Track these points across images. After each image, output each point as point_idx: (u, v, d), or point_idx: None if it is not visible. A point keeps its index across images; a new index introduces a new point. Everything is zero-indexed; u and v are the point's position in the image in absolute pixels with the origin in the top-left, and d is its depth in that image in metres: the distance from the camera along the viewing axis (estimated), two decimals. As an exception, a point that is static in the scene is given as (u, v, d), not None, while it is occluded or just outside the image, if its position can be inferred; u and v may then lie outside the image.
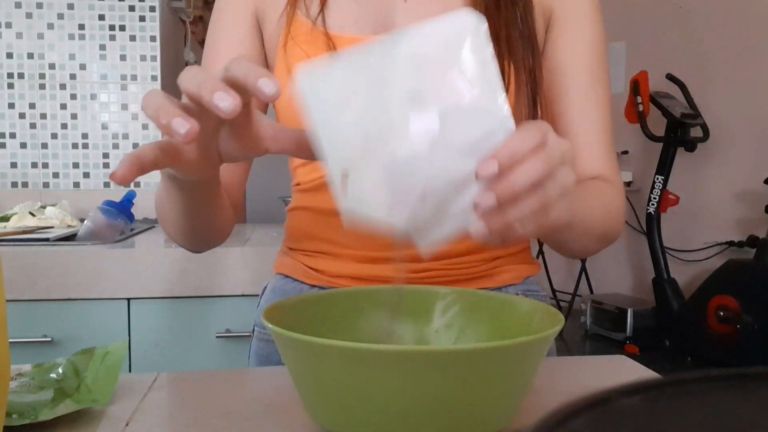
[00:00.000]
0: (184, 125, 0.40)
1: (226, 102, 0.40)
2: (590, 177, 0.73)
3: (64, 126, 1.91)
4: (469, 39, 0.44)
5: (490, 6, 0.69)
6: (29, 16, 1.87)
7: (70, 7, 1.88)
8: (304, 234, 0.77)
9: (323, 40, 0.70)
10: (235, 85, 0.42)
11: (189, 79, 0.43)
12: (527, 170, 0.43)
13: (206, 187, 0.58)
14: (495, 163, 0.42)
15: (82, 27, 1.89)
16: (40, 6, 1.87)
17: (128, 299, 1.33)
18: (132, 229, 1.68)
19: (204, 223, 0.67)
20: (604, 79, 0.75)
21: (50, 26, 1.88)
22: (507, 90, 0.66)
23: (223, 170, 0.58)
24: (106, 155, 1.93)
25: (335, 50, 0.69)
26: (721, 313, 2.90)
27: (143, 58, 1.92)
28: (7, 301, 1.37)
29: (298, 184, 0.78)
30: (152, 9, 1.92)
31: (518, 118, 0.66)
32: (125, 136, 1.93)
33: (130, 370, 1.34)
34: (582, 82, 0.74)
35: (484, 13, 0.68)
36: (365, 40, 0.70)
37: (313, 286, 0.75)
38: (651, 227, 3.36)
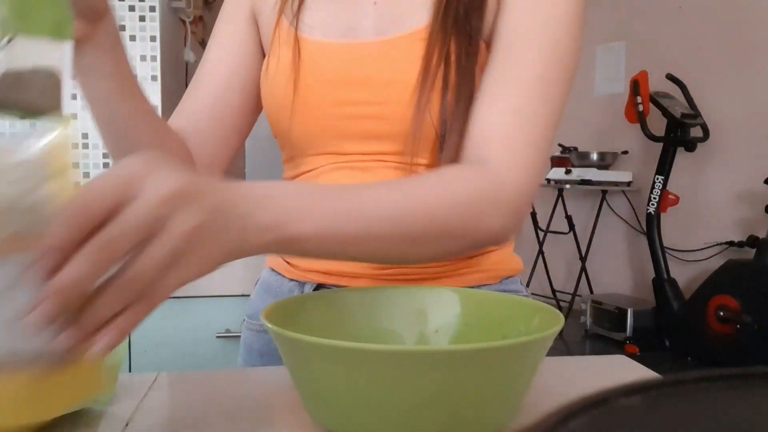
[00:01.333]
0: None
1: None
2: (470, 161, 0.62)
3: (64, 126, 1.91)
4: None
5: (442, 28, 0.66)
6: (29, 16, 1.87)
7: (70, 7, 1.88)
8: None
9: (292, 42, 0.72)
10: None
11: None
12: (86, 256, 0.35)
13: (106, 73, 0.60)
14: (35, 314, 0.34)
15: (82, 27, 1.89)
16: (40, 6, 1.87)
17: (128, 299, 1.33)
18: (132, 229, 1.68)
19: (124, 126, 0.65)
20: (546, 54, 0.63)
21: (50, 26, 1.88)
22: (445, 95, 0.65)
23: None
24: (106, 155, 1.92)
25: (299, 54, 0.70)
26: (721, 313, 2.90)
27: (143, 58, 1.92)
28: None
29: (284, 179, 0.79)
30: (152, 9, 1.92)
31: (462, 118, 0.65)
32: (125, 136, 1.93)
33: (130, 370, 1.34)
34: (505, 52, 0.64)
35: (440, 32, 0.66)
36: (331, 44, 0.71)
37: (291, 279, 0.76)
38: (651, 227, 3.36)
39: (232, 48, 0.77)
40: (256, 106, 0.79)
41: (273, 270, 0.80)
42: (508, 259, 0.77)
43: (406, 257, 0.58)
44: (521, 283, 0.78)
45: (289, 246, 0.47)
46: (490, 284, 0.74)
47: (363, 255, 0.55)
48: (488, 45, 0.68)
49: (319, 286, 0.73)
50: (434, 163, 0.68)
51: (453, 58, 0.66)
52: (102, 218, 0.35)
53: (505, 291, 0.74)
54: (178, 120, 0.76)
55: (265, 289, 0.79)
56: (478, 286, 0.72)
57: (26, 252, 0.36)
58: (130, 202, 0.36)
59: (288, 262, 0.77)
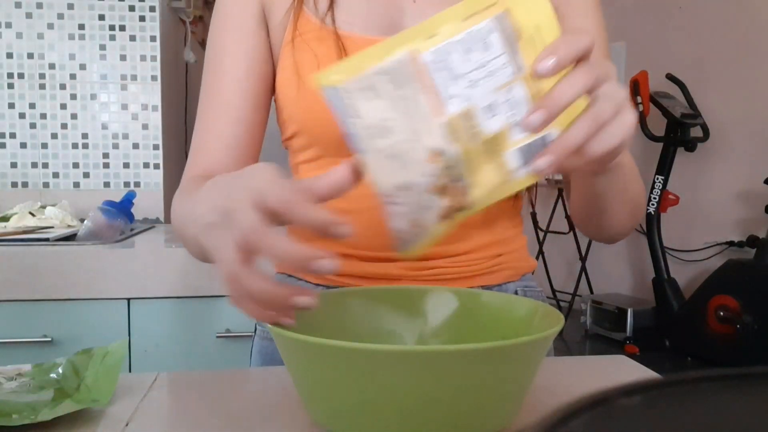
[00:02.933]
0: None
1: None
2: None
3: (64, 126, 1.91)
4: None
5: None
6: (29, 16, 1.87)
7: (70, 7, 1.88)
8: (306, 232, 0.77)
9: (333, 40, 0.69)
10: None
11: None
12: (576, 79, 0.42)
13: None
14: (552, 58, 0.41)
15: (82, 27, 1.89)
16: (40, 6, 1.87)
17: (128, 299, 1.33)
18: (132, 229, 1.68)
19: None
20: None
21: (50, 26, 1.88)
22: None
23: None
24: (106, 155, 1.93)
25: (345, 51, 0.68)
26: (721, 313, 2.90)
27: (143, 58, 1.92)
28: (7, 301, 1.36)
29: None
30: (152, 9, 1.92)
31: None
32: (125, 136, 1.93)
33: (130, 370, 1.34)
34: None
35: None
36: (373, 40, 0.70)
37: (318, 285, 0.74)
38: (651, 227, 3.36)
39: (246, 61, 0.73)
40: (266, 114, 0.77)
41: (290, 276, 0.78)
42: (526, 257, 0.81)
43: (611, 220, 0.67)
44: (533, 279, 0.82)
45: (614, 168, 0.54)
46: (514, 281, 0.78)
47: (606, 204, 0.65)
48: None
49: None
50: None
51: None
52: (579, 55, 0.43)
53: (526, 286, 0.79)
54: (212, 151, 0.74)
55: None
56: (505, 283, 0.77)
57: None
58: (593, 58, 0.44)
59: None
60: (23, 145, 1.90)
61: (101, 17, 1.90)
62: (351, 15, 0.71)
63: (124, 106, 1.93)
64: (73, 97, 1.90)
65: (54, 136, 1.91)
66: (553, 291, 4.05)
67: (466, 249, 0.74)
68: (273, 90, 0.76)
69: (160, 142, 1.95)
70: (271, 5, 0.74)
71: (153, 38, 1.92)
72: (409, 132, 0.46)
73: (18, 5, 1.86)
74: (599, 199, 0.64)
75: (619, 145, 0.45)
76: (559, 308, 3.69)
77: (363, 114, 0.45)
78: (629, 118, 0.46)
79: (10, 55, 1.87)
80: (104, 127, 1.92)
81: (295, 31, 0.71)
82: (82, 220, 1.66)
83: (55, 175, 1.91)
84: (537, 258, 3.97)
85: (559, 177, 3.83)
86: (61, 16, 1.88)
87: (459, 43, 0.44)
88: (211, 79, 0.75)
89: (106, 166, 1.93)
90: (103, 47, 1.90)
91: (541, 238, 3.99)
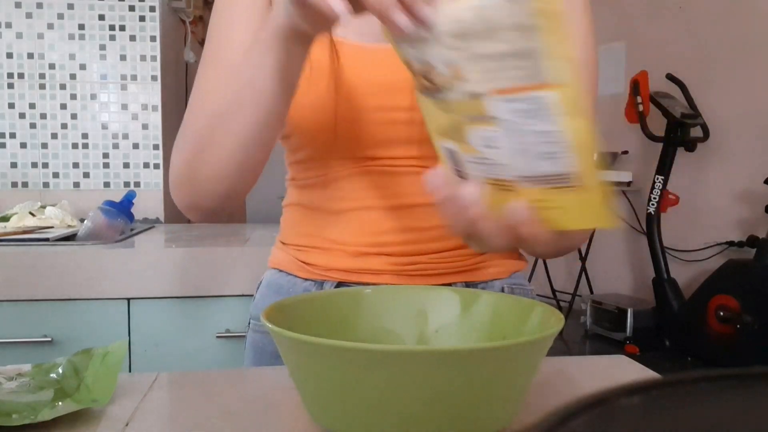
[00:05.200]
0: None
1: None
2: None
3: (64, 126, 1.91)
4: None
5: None
6: (29, 16, 1.87)
7: (70, 7, 1.88)
8: (297, 229, 0.79)
9: (326, 45, 0.70)
10: None
11: None
12: None
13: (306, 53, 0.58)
14: None
15: (82, 27, 1.89)
16: (40, 6, 1.87)
17: (128, 299, 1.33)
18: (132, 229, 1.68)
19: (277, 111, 0.62)
20: (592, 73, 0.73)
21: (50, 26, 1.88)
22: None
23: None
24: (106, 155, 1.93)
25: (338, 57, 0.69)
26: (721, 313, 2.90)
27: (143, 58, 1.92)
28: (7, 301, 1.37)
29: (293, 179, 0.79)
30: (152, 9, 1.92)
31: None
32: (125, 136, 1.93)
33: (130, 370, 1.34)
34: None
35: None
36: (366, 47, 0.70)
37: (306, 279, 0.75)
38: (651, 227, 3.36)
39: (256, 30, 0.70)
40: None
41: (281, 270, 0.79)
42: (516, 255, 0.81)
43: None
44: (524, 278, 0.81)
45: None
46: (502, 278, 0.77)
47: None
48: None
49: (339, 285, 0.73)
50: None
51: None
52: None
53: (514, 284, 0.78)
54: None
55: (275, 291, 0.78)
56: (492, 280, 0.76)
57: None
58: None
59: (304, 262, 0.76)
60: (23, 145, 1.90)
61: (101, 17, 1.90)
62: (345, 21, 0.71)
63: (124, 106, 1.93)
64: (73, 97, 1.90)
65: (54, 136, 1.91)
66: (553, 291, 4.05)
67: (450, 246, 0.74)
68: None
69: (160, 142, 1.95)
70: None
71: (153, 38, 1.92)
72: None
73: (18, 5, 1.86)
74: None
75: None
76: (559, 308, 3.69)
77: None
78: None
79: (10, 55, 1.87)
80: (104, 127, 1.92)
81: None
82: (82, 220, 1.66)
83: (55, 175, 1.92)
84: (537, 258, 3.97)
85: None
86: (61, 16, 1.88)
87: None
88: (215, 47, 0.71)
89: (106, 166, 1.93)
90: (103, 47, 1.90)
91: (541, 238, 3.99)
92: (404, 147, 0.71)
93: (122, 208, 1.62)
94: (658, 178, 3.35)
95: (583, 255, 3.78)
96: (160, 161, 1.95)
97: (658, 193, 3.34)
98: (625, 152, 3.86)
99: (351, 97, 0.70)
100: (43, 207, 1.72)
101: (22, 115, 1.89)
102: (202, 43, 2.33)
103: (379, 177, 0.72)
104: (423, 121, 0.66)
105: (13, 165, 1.90)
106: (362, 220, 0.73)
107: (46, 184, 1.91)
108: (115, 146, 1.93)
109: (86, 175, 1.92)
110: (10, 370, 0.58)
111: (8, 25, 1.86)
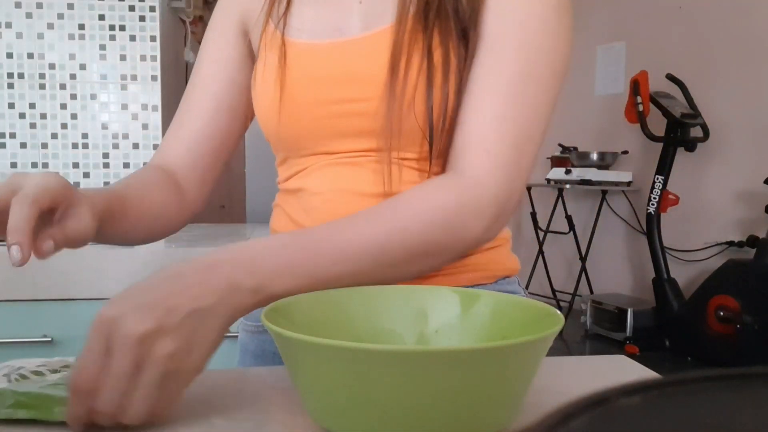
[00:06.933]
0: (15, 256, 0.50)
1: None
2: (453, 169, 0.64)
3: (64, 126, 1.91)
4: None
5: (422, 19, 0.66)
6: (29, 16, 1.87)
7: (70, 7, 1.88)
8: (279, 229, 0.79)
9: (278, 46, 0.72)
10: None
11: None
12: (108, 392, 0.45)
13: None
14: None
15: (82, 27, 1.89)
16: (40, 6, 1.87)
17: (128, 299, 1.33)
18: (132, 229, 1.68)
19: (122, 241, 0.71)
20: (535, 59, 0.64)
21: (50, 26, 1.88)
22: (430, 89, 0.65)
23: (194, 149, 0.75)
24: (106, 155, 1.93)
25: (285, 58, 0.71)
26: (721, 313, 2.90)
27: (143, 58, 1.92)
28: (7, 301, 1.36)
29: (278, 181, 0.80)
30: (152, 9, 1.92)
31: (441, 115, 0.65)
32: (125, 136, 1.93)
33: (130, 370, 1.34)
34: (485, 52, 0.65)
35: (419, 24, 0.66)
36: (317, 45, 0.71)
37: None
38: (651, 227, 3.36)
39: (219, 66, 0.78)
40: (244, 122, 0.81)
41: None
42: (504, 258, 0.75)
43: (393, 279, 0.61)
44: (519, 284, 0.77)
45: (276, 299, 0.53)
46: (485, 284, 0.72)
47: (348, 284, 0.59)
48: (472, 36, 0.66)
49: None
50: (424, 157, 0.68)
51: (437, 50, 0.65)
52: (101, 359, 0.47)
53: (501, 291, 0.73)
54: (174, 146, 0.79)
55: None
56: (473, 286, 0.70)
57: None
58: (113, 351, 0.47)
59: None
60: (23, 145, 1.90)
61: (101, 17, 1.90)
62: (302, 21, 0.73)
63: (124, 106, 1.93)
64: (73, 97, 1.91)
65: (54, 136, 1.91)
66: (553, 291, 4.05)
67: None
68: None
69: (160, 142, 1.95)
70: (250, 17, 0.78)
71: (153, 38, 1.92)
72: None
73: (18, 5, 1.86)
74: None
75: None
76: (559, 308, 3.69)
77: None
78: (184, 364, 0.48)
79: (10, 55, 1.87)
80: (104, 127, 1.92)
81: (261, 41, 0.74)
82: (82, 220, 1.66)
83: (55, 175, 1.91)
84: (537, 258, 3.97)
85: (559, 177, 3.84)
86: (61, 16, 1.88)
87: None
88: (190, 81, 0.80)
89: (106, 166, 1.93)
90: (103, 47, 1.90)
91: (541, 238, 3.99)
92: (363, 139, 0.69)
93: (122, 208, 1.61)
94: (658, 178, 3.35)
95: (583, 255, 3.78)
96: (160, 161, 1.95)
97: (658, 193, 3.34)
98: (625, 152, 3.86)
99: (296, 93, 0.70)
100: (43, 207, 1.72)
101: (22, 115, 1.89)
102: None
103: (342, 169, 0.70)
104: (380, 112, 0.67)
105: (13, 165, 1.90)
106: (329, 215, 0.72)
107: (46, 184, 1.91)
108: (115, 146, 1.93)
109: (86, 175, 1.92)
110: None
111: (8, 25, 1.86)
